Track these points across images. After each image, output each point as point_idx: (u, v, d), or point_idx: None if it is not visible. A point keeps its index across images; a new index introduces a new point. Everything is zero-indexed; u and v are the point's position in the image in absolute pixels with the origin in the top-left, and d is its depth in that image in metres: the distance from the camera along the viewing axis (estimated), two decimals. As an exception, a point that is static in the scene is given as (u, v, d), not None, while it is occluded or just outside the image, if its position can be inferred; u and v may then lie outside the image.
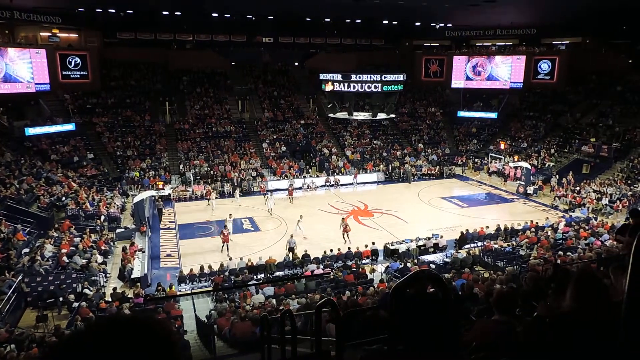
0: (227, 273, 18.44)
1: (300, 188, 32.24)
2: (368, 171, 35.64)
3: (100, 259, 19.87)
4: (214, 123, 38.11)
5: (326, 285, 16.93)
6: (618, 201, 26.74)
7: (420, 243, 21.34)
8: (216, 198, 28.97)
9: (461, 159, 38.67)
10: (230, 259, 19.77)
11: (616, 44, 42.95)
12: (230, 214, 24.43)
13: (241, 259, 19.46)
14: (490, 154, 37.64)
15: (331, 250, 20.31)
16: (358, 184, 33.88)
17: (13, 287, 15.69)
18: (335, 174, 34.37)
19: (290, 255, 20.47)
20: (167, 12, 39.17)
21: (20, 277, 16.52)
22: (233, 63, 44.60)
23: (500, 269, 17.41)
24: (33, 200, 24.57)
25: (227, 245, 21.34)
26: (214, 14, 39.95)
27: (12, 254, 18.18)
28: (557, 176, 31.87)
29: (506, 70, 42.30)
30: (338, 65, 38.84)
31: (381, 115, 31.97)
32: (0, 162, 26.93)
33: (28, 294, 16.39)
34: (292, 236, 21.56)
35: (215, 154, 35.07)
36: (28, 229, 21.32)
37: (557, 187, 30.56)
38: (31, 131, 31.13)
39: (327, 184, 33.28)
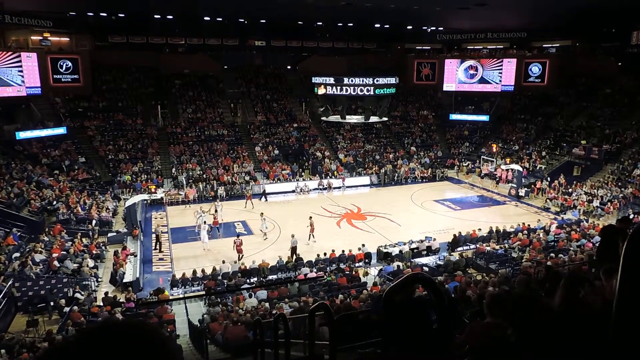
0: (219, 277, 18.38)
1: (293, 191, 32.34)
2: (361, 174, 35.70)
3: (91, 263, 19.72)
4: (206, 126, 38.03)
5: (319, 289, 16.92)
6: (609, 203, 26.97)
7: (413, 246, 21.36)
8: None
9: (455, 162, 38.78)
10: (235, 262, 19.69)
11: (606, 47, 43.35)
12: (205, 221, 23.48)
13: (235, 262, 19.42)
14: (482, 157, 37.85)
15: (325, 254, 20.31)
16: (347, 187, 33.98)
17: (3, 291, 15.54)
18: (328, 177, 34.44)
19: (293, 256, 20.44)
20: (159, 16, 39.06)
21: (10, 282, 16.35)
22: (225, 66, 44.53)
23: (493, 271, 17.46)
24: (24, 205, 24.40)
25: (241, 256, 20.86)
26: (206, 18, 39.91)
27: (2, 259, 18.02)
28: (549, 178, 32.09)
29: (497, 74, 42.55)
30: (330, 69, 38.88)
31: (374, 119, 32.07)
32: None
33: (18, 298, 16.25)
34: (293, 236, 21.40)
35: (208, 158, 34.99)
36: (19, 233, 21.16)
37: (548, 189, 30.75)
38: (22, 135, 30.94)
39: (320, 187, 33.32)
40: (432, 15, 40.30)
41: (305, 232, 22.97)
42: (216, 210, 25.40)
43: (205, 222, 23.33)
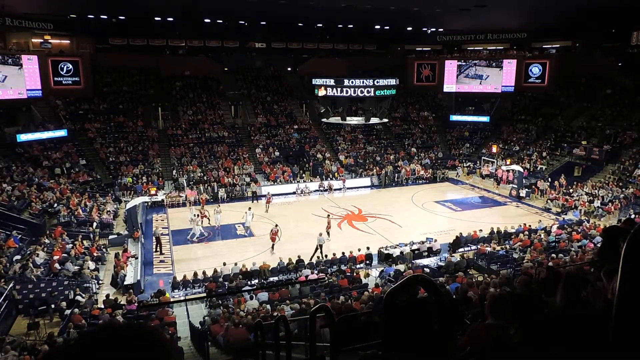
0: (220, 279, 18.37)
1: (294, 193, 32.34)
2: (362, 175, 35.71)
3: (92, 265, 19.74)
4: (207, 128, 38.04)
5: (320, 290, 16.91)
6: (610, 203, 26.94)
7: (415, 247, 21.36)
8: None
9: (456, 163, 38.78)
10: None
11: (606, 47, 43.33)
12: (193, 215, 25.05)
13: (235, 264, 19.42)
14: (482, 158, 37.84)
15: (325, 255, 20.29)
16: (348, 188, 34.01)
17: (4, 294, 15.53)
18: (328, 178, 34.44)
19: (319, 253, 21.01)
20: (159, 18, 39.09)
21: (11, 285, 16.36)
22: (226, 68, 44.57)
23: (494, 272, 17.45)
24: (24, 207, 24.40)
25: (273, 245, 22.13)
26: (207, 20, 39.94)
27: (3, 261, 18.03)
28: (549, 179, 32.07)
29: (497, 75, 42.50)
30: (330, 70, 38.91)
31: (374, 120, 32.05)
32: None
33: (19, 301, 16.24)
34: (320, 234, 21.67)
35: (209, 160, 35.01)
36: (20, 236, 21.17)
37: (549, 190, 30.73)
38: (23, 137, 30.92)
39: (321, 188, 33.33)
40: (432, 16, 40.30)
41: (314, 232, 22.96)
42: (203, 207, 26.28)
43: (198, 216, 24.88)
